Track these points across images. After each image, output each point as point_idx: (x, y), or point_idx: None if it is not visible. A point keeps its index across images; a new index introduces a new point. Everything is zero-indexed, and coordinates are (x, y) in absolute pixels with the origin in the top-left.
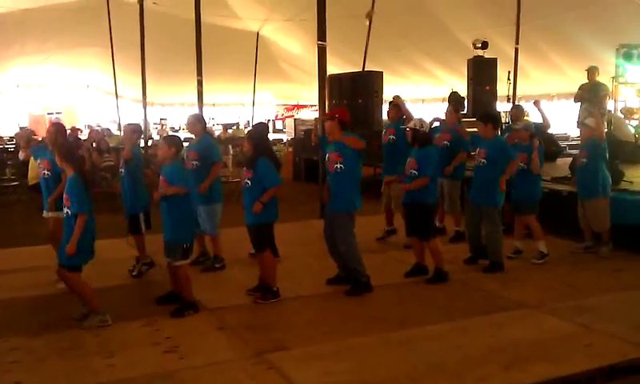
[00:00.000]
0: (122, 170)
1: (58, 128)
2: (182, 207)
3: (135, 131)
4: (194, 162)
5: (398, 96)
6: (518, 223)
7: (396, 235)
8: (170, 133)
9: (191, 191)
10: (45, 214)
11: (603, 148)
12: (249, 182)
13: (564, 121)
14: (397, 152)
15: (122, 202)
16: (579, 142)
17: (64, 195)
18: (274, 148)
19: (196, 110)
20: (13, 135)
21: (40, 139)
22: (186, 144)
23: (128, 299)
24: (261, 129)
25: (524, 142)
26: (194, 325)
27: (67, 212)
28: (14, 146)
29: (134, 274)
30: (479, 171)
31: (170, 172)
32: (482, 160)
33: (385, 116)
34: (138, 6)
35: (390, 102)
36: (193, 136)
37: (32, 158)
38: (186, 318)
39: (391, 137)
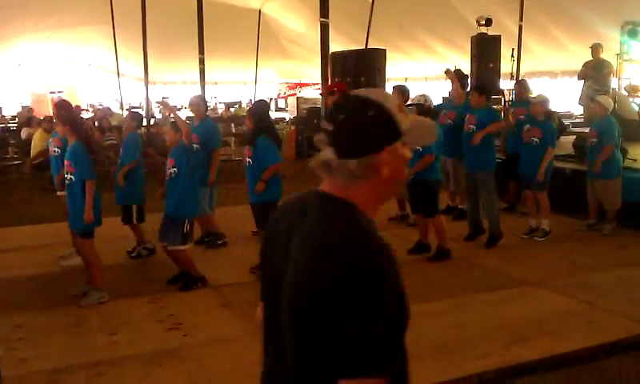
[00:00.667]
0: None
1: (60, 104)
2: (186, 184)
3: (134, 119)
4: (194, 145)
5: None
6: (529, 199)
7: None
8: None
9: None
10: (59, 192)
11: (614, 127)
12: (250, 160)
13: (568, 98)
14: None
15: (115, 187)
16: (582, 120)
17: (65, 162)
18: (277, 126)
19: (198, 89)
20: (15, 114)
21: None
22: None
23: (131, 277)
24: (262, 106)
25: (539, 117)
26: (197, 302)
27: (71, 178)
28: (16, 124)
29: (132, 255)
30: (470, 138)
31: (178, 155)
32: (472, 126)
33: None
34: None
35: (394, 87)
36: (193, 116)
37: (34, 137)
38: (190, 295)
39: None
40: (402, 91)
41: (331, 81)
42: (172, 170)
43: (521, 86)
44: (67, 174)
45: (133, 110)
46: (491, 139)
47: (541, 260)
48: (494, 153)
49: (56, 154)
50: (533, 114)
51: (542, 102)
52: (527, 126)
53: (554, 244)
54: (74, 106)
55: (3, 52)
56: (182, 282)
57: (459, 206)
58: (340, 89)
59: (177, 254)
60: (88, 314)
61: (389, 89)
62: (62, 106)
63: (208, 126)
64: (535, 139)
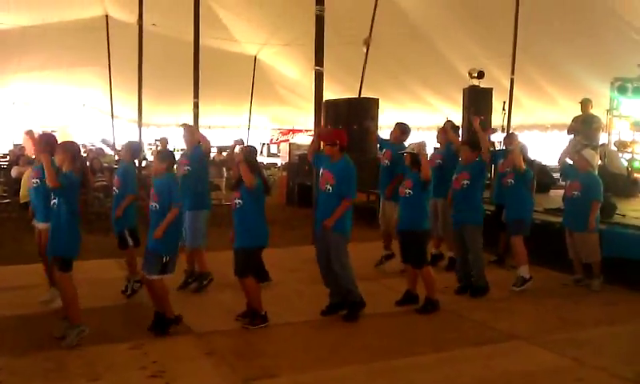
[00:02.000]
0: (116, 189)
1: (42, 138)
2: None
3: (130, 149)
4: (186, 167)
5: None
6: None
7: (395, 259)
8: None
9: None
10: (37, 223)
11: (599, 183)
12: (239, 201)
13: (557, 152)
14: (393, 175)
15: (112, 220)
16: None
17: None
18: (268, 172)
19: None
20: (6, 152)
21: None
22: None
23: (116, 321)
24: (248, 151)
25: (518, 164)
26: (181, 349)
27: (54, 202)
28: (6, 162)
29: (127, 293)
30: (460, 193)
31: (160, 184)
32: (465, 182)
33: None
34: (137, 27)
35: (397, 123)
36: (185, 147)
37: (24, 176)
38: (174, 342)
39: (386, 161)
40: (402, 129)
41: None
42: (154, 205)
43: (510, 138)
44: (54, 198)
45: (132, 141)
46: (479, 193)
47: (530, 315)
48: (481, 207)
49: (36, 184)
50: (513, 164)
51: (521, 148)
52: (507, 172)
53: (543, 299)
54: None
55: None
56: (157, 325)
57: (449, 255)
58: (342, 143)
59: (152, 284)
60: (69, 358)
61: (385, 133)
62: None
63: (198, 152)
64: (510, 181)
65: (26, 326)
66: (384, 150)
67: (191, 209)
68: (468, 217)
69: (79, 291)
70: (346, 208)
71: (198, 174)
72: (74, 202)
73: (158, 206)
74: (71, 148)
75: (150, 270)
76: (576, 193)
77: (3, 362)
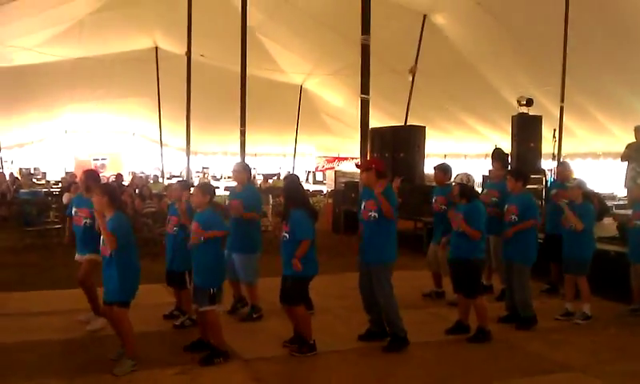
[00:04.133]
0: (176, 228)
1: (87, 174)
2: (211, 252)
3: (185, 188)
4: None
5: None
6: (568, 283)
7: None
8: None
9: (229, 239)
10: (77, 256)
11: None
12: (286, 235)
13: (610, 180)
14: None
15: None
16: (627, 202)
17: (107, 233)
18: (314, 199)
19: (238, 160)
20: (59, 179)
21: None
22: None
23: (164, 346)
24: (292, 180)
25: (576, 200)
26: (228, 375)
27: (111, 253)
28: (59, 189)
29: (176, 324)
30: (510, 227)
31: (206, 218)
32: (514, 216)
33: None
34: (186, 58)
35: (436, 167)
36: (235, 183)
37: None
38: (221, 368)
39: (442, 207)
40: (443, 170)
41: (370, 155)
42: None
43: (563, 167)
44: (104, 244)
45: (182, 180)
46: (531, 232)
47: (585, 345)
48: (533, 246)
49: (87, 224)
50: (571, 199)
51: (579, 184)
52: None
53: (597, 329)
54: (115, 173)
55: (51, 120)
56: (200, 350)
57: (502, 287)
58: (377, 167)
59: (205, 316)
60: (118, 382)
61: (429, 166)
62: (93, 177)
63: (251, 192)
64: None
65: (73, 351)
66: (435, 197)
67: (243, 252)
68: (518, 255)
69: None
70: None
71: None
72: (130, 249)
73: (202, 238)
74: (107, 189)
75: (200, 303)
76: (638, 222)
77: None
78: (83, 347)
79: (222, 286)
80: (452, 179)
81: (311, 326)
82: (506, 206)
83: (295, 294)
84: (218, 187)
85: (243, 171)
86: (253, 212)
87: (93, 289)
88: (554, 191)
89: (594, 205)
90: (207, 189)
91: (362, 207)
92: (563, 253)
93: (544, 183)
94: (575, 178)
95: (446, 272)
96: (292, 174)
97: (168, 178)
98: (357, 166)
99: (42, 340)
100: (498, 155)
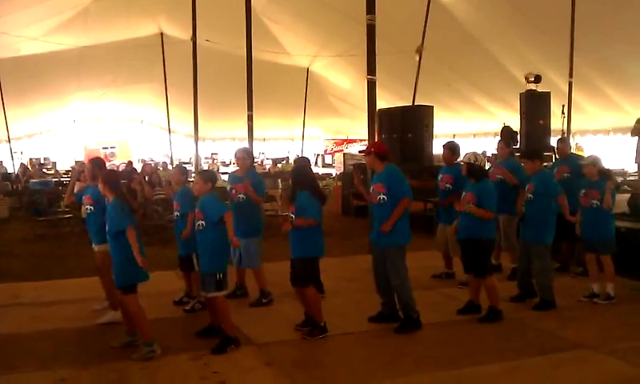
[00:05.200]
0: (177, 213)
1: (93, 163)
2: (217, 238)
3: (183, 173)
4: (240, 196)
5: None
6: (591, 263)
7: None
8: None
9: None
10: (93, 246)
11: None
12: (292, 216)
13: (621, 156)
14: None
15: (178, 239)
16: (636, 178)
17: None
18: (323, 182)
19: (246, 145)
20: (68, 168)
21: None
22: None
23: (176, 332)
24: (301, 163)
25: (592, 177)
26: (241, 359)
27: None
28: (69, 178)
29: (186, 308)
30: (527, 207)
31: (207, 204)
32: (530, 195)
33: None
34: (191, 44)
35: (444, 145)
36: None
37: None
38: (234, 353)
39: (447, 185)
40: (452, 149)
41: (378, 137)
42: (200, 223)
43: (562, 143)
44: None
45: (181, 163)
46: (550, 211)
47: (597, 322)
48: (552, 226)
49: (89, 211)
50: (587, 176)
51: (594, 161)
52: (583, 191)
53: (610, 306)
54: (126, 160)
55: (60, 109)
56: (212, 336)
57: (513, 266)
58: (377, 150)
59: (213, 302)
60: (132, 369)
61: (437, 146)
62: (98, 165)
63: (253, 177)
64: (595, 202)
65: (85, 339)
66: (441, 175)
67: (245, 236)
68: (537, 236)
69: (139, 302)
70: (404, 208)
71: (253, 202)
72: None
73: (204, 223)
74: (107, 177)
75: (207, 289)
76: None
77: (67, 374)
78: (97, 336)
79: (225, 270)
80: (460, 159)
81: (321, 309)
82: (527, 186)
83: (304, 274)
84: (227, 173)
85: (245, 156)
86: (258, 196)
87: (107, 280)
88: (555, 168)
89: (611, 180)
90: (208, 176)
91: (372, 190)
92: (584, 232)
93: (553, 160)
94: (590, 155)
95: (455, 252)
96: (302, 157)
97: (176, 164)
98: (360, 152)
99: (55, 329)
100: (502, 133)
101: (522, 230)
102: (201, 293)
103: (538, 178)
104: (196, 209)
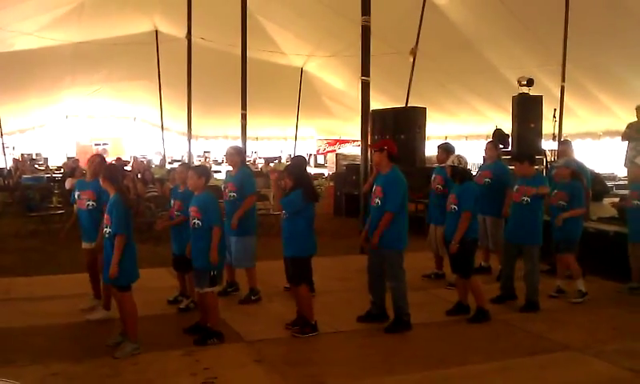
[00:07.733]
0: (178, 213)
1: (102, 158)
2: (210, 235)
3: (203, 175)
4: (232, 194)
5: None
6: (560, 262)
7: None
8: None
9: (226, 222)
10: (84, 244)
11: None
12: (286, 213)
13: (610, 160)
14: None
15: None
16: (627, 182)
17: (105, 215)
18: (315, 182)
19: (239, 144)
20: (61, 164)
21: (84, 172)
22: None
23: (167, 328)
24: (299, 162)
25: (564, 179)
26: (232, 356)
27: (108, 231)
28: (61, 175)
29: (181, 306)
30: (519, 209)
31: (202, 201)
32: (526, 199)
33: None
34: (186, 42)
35: (439, 146)
36: (231, 168)
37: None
38: (225, 349)
39: (439, 186)
40: (446, 150)
41: (371, 138)
42: (196, 221)
43: (565, 146)
44: (107, 227)
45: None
46: (539, 211)
47: (584, 324)
48: (541, 225)
49: (90, 207)
50: (557, 179)
51: (565, 163)
52: (554, 192)
53: (597, 309)
54: (115, 157)
55: (52, 105)
56: (198, 334)
57: (500, 267)
58: (390, 149)
59: (205, 297)
60: (124, 365)
61: (430, 147)
62: (98, 160)
63: (244, 174)
64: (562, 203)
65: (78, 334)
66: (434, 176)
67: (239, 235)
68: (527, 236)
69: None
70: (388, 222)
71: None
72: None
73: (200, 223)
74: (108, 168)
75: (201, 284)
76: (636, 202)
77: (60, 368)
78: (89, 331)
79: (221, 269)
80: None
81: (313, 307)
82: (517, 187)
83: (297, 273)
84: (219, 171)
85: (236, 154)
86: (248, 194)
87: (97, 277)
88: (553, 171)
89: (582, 183)
90: (202, 171)
91: (373, 190)
92: (553, 233)
93: (544, 163)
94: (562, 158)
95: (444, 253)
96: (299, 156)
97: (170, 163)
98: (369, 146)
99: (47, 324)
100: (494, 136)
101: (509, 232)
102: (195, 288)
103: (532, 181)
104: (192, 206)
